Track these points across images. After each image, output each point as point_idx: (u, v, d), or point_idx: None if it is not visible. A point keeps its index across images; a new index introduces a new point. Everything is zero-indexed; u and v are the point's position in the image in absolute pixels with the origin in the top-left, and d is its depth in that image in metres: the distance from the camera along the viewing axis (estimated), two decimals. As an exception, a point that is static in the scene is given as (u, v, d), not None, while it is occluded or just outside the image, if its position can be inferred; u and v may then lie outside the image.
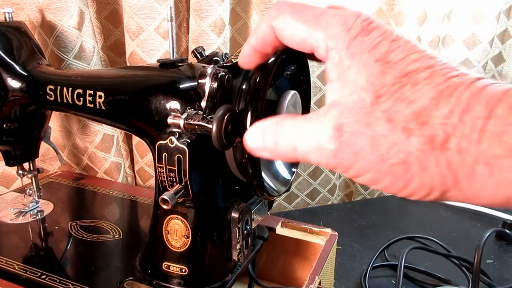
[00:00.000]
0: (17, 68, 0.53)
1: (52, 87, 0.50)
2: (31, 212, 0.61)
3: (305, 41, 0.28)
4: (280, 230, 0.58)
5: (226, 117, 0.36)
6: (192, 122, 0.38)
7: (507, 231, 0.75)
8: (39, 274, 0.47)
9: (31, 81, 0.53)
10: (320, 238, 0.57)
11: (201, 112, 0.39)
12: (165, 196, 0.38)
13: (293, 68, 0.45)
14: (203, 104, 0.38)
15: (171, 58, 0.44)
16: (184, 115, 0.39)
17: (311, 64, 0.80)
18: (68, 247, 0.53)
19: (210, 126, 0.37)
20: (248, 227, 0.46)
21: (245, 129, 0.37)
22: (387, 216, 0.88)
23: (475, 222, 0.85)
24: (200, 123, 0.38)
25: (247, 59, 0.33)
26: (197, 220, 0.43)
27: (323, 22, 0.27)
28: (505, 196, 0.21)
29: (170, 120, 0.39)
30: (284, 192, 0.47)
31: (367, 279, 0.64)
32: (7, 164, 0.59)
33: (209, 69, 0.39)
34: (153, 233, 0.46)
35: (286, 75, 0.45)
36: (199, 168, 0.41)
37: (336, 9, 0.28)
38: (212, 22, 0.69)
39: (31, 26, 0.64)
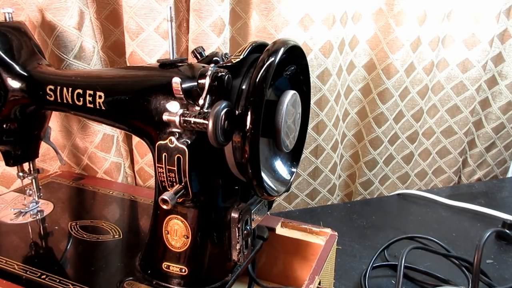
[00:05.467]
0: (17, 68, 0.53)
1: (52, 87, 0.50)
2: (31, 212, 0.61)
3: None
4: (280, 230, 0.58)
5: (223, 113, 0.36)
6: (188, 118, 0.38)
7: (507, 231, 0.75)
8: (39, 274, 0.47)
9: (31, 81, 0.53)
10: (320, 238, 0.57)
11: (198, 109, 0.39)
12: (165, 196, 0.38)
13: (293, 68, 0.45)
14: (201, 101, 0.38)
15: (171, 58, 0.44)
16: (180, 111, 0.39)
17: (311, 64, 0.81)
18: (68, 247, 0.53)
19: (206, 122, 0.37)
20: (248, 227, 0.46)
21: (245, 129, 0.37)
22: (387, 216, 0.88)
23: (475, 222, 0.85)
24: (196, 119, 0.38)
25: None
26: (197, 220, 0.43)
27: None
28: None
29: (165, 116, 0.39)
30: (284, 192, 0.47)
31: (367, 279, 0.64)
32: (7, 164, 0.59)
33: (209, 69, 0.39)
34: (153, 233, 0.46)
35: (286, 75, 0.45)
36: (199, 168, 0.41)
37: None
38: (212, 22, 0.69)
39: (31, 26, 0.64)
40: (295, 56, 0.44)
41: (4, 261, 0.49)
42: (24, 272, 0.47)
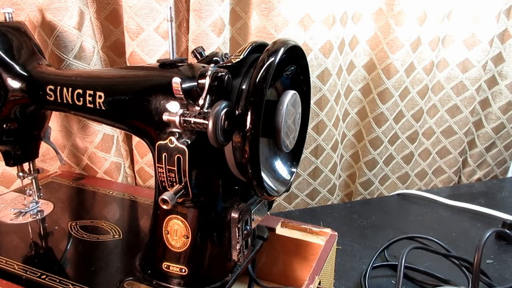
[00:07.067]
0: (17, 68, 0.53)
1: (52, 87, 0.50)
2: (31, 212, 0.61)
3: None
4: (280, 230, 0.58)
5: (223, 113, 0.36)
6: (188, 118, 0.38)
7: (507, 231, 0.75)
8: (39, 274, 0.47)
9: (31, 81, 0.53)
10: (320, 238, 0.57)
11: (198, 109, 0.39)
12: (165, 196, 0.38)
13: (293, 68, 0.45)
14: (201, 101, 0.38)
15: (171, 58, 0.44)
16: (180, 111, 0.39)
17: (311, 64, 0.81)
18: (68, 247, 0.53)
19: (206, 122, 0.37)
20: (248, 227, 0.46)
21: (245, 129, 0.37)
22: (387, 216, 0.88)
23: (475, 222, 0.85)
24: (196, 119, 0.38)
25: None
26: (197, 220, 0.43)
27: None
28: None
29: (165, 116, 0.39)
30: (284, 192, 0.47)
31: (367, 279, 0.64)
32: (7, 164, 0.59)
33: (209, 69, 0.39)
34: (153, 233, 0.46)
35: (286, 75, 0.45)
36: (199, 168, 0.41)
37: None
38: (212, 22, 0.69)
39: (31, 26, 0.64)
40: (295, 56, 0.44)
41: (4, 261, 0.49)
42: (24, 272, 0.47)
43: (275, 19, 0.76)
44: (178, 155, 0.39)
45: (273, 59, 0.38)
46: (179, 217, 0.43)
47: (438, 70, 1.00)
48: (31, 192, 0.62)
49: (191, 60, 0.47)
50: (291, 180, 0.48)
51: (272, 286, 0.58)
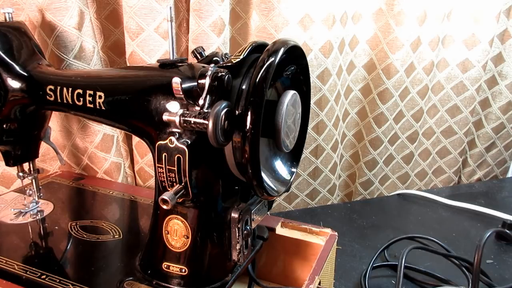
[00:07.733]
0: (17, 68, 0.53)
1: (52, 87, 0.50)
2: (31, 212, 0.61)
3: None
4: (280, 230, 0.58)
5: (223, 113, 0.36)
6: (188, 118, 0.38)
7: (507, 231, 0.75)
8: (39, 274, 0.47)
9: (31, 81, 0.53)
10: (320, 238, 0.57)
11: (198, 109, 0.39)
12: (165, 196, 0.38)
13: (293, 68, 0.45)
14: (201, 101, 0.38)
15: (171, 58, 0.44)
16: (180, 111, 0.39)
17: (311, 64, 0.81)
18: (68, 247, 0.53)
19: (206, 122, 0.37)
20: (248, 227, 0.46)
21: (245, 129, 0.37)
22: (387, 216, 0.88)
23: (475, 222, 0.85)
24: (196, 119, 0.38)
25: None
26: (197, 220, 0.43)
27: None
28: None
29: (165, 116, 0.39)
30: (284, 192, 0.47)
31: (367, 279, 0.64)
32: (7, 164, 0.59)
33: (209, 69, 0.39)
34: (153, 233, 0.46)
35: (286, 75, 0.45)
36: (199, 168, 0.41)
37: None
38: (212, 22, 0.69)
39: (31, 26, 0.64)
40: (295, 56, 0.44)
41: (4, 261, 0.49)
42: (24, 272, 0.47)
43: (275, 19, 0.76)
44: (178, 155, 0.39)
45: (273, 59, 0.38)
46: (179, 217, 0.43)
47: (438, 70, 1.00)
48: (31, 192, 0.62)
49: (191, 60, 0.47)
50: (291, 180, 0.48)
51: (272, 286, 0.58)
